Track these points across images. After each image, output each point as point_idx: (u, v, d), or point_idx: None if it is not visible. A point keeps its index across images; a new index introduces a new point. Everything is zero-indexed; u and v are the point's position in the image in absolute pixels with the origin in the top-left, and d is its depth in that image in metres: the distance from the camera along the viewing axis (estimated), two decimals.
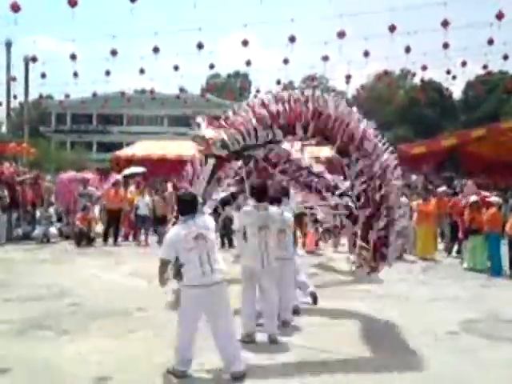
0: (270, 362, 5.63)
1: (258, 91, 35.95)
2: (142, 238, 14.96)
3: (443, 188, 14.72)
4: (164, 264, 5.10)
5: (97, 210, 16.07)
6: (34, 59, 19.63)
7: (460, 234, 12.54)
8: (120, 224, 15.16)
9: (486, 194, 12.58)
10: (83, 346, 6.09)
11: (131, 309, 7.69)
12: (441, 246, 14.26)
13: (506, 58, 18.94)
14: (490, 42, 16.96)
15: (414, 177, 20.04)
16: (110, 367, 5.39)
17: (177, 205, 5.73)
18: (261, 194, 6.40)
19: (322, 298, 8.36)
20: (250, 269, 6.31)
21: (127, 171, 17.49)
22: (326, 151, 25.63)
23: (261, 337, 6.33)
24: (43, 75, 20.23)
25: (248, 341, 6.13)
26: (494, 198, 11.62)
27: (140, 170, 17.84)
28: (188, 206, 5.31)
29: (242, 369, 5.09)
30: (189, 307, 5.11)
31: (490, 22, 15.93)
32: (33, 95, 31.82)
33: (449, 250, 13.49)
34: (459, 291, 9.26)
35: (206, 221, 5.32)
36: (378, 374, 5.30)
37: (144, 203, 14.99)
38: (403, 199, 13.23)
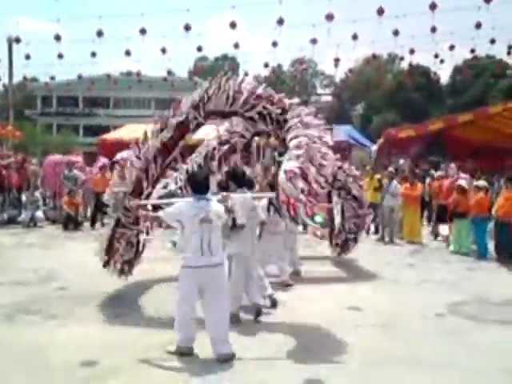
0: (256, 340, 5.69)
1: (246, 74, 35.74)
2: None
3: (439, 172, 14.82)
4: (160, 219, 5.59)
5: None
6: (18, 40, 19.29)
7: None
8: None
9: (464, 175, 12.73)
10: (70, 330, 6.07)
11: (119, 293, 7.67)
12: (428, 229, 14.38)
13: (493, 42, 18.93)
14: (478, 25, 16.93)
15: (401, 161, 20.11)
16: (97, 351, 5.37)
17: (190, 183, 5.81)
18: (242, 181, 6.49)
19: (309, 281, 8.44)
20: (241, 255, 6.42)
21: (119, 155, 17.31)
22: None
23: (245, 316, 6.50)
24: (27, 56, 19.87)
25: (234, 321, 6.17)
26: (481, 183, 11.70)
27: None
28: (202, 186, 5.39)
29: (229, 351, 5.14)
30: (186, 286, 5.22)
31: (478, 5, 15.89)
32: (17, 77, 31.38)
33: (435, 234, 13.59)
34: (446, 274, 9.35)
35: (216, 205, 5.37)
36: (365, 356, 5.35)
37: None
38: (394, 182, 13.31)
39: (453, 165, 14.54)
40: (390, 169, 14.61)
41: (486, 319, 6.73)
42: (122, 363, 5.11)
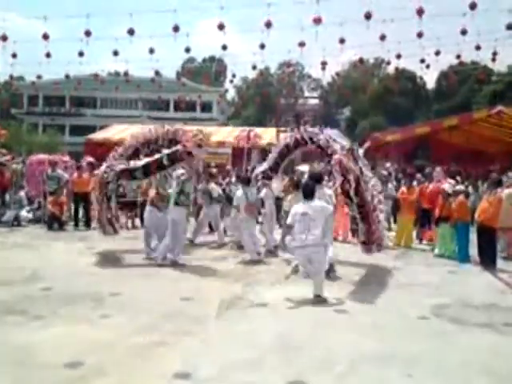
0: (242, 342, 5.73)
1: (233, 76, 35.81)
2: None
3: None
4: None
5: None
6: (5, 38, 19.08)
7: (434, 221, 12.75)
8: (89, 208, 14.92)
9: (451, 181, 12.80)
10: (55, 330, 6.04)
11: (104, 294, 7.64)
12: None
13: (478, 48, 19.15)
14: (464, 32, 17.11)
15: (387, 164, 20.24)
16: (82, 352, 5.35)
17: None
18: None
19: (295, 282, 8.48)
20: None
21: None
22: None
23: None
24: (14, 55, 19.75)
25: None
26: (459, 187, 11.76)
27: None
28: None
29: None
30: None
31: (463, 12, 16.06)
32: (3, 76, 31.15)
33: (420, 237, 13.64)
34: (430, 277, 9.42)
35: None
36: (350, 358, 5.38)
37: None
38: (389, 185, 13.33)
39: (438, 168, 14.57)
40: (384, 172, 14.59)
41: (468, 322, 6.80)
42: (107, 364, 5.10)
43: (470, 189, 15.35)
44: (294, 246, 7.73)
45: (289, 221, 7.82)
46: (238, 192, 10.98)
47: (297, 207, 7.78)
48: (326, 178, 10.77)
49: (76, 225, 14.67)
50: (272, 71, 69.31)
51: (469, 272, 10.12)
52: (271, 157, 11.62)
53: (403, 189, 13.30)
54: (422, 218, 13.25)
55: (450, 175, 14.60)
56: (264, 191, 11.55)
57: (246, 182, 11.21)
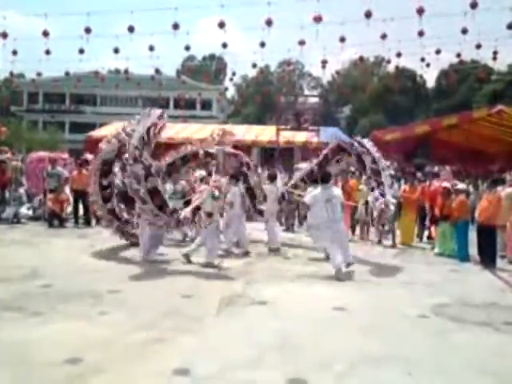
0: (242, 340, 5.72)
1: (233, 74, 35.80)
2: None
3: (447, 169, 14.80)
4: None
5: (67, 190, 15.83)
6: (5, 35, 19.10)
7: (428, 220, 12.78)
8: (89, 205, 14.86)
9: (457, 182, 12.80)
10: (54, 327, 6.03)
11: (103, 291, 7.63)
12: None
13: (478, 47, 19.17)
14: (464, 31, 17.12)
15: (387, 163, 20.19)
16: (81, 349, 5.34)
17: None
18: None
19: (295, 280, 8.49)
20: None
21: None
22: (301, 136, 25.68)
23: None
24: (14, 52, 19.78)
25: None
26: (460, 185, 11.78)
27: None
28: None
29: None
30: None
31: (464, 11, 16.07)
32: (3, 73, 31.16)
33: (420, 236, 13.66)
34: (429, 276, 9.42)
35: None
36: (350, 356, 5.38)
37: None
38: (395, 184, 13.35)
39: (448, 168, 14.56)
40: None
41: (468, 321, 6.79)
42: (105, 361, 5.09)
43: (471, 188, 15.36)
44: (319, 222, 9.32)
45: (308, 202, 9.54)
46: (233, 189, 11.18)
47: (317, 192, 9.51)
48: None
49: (76, 222, 14.66)
50: (272, 69, 69.43)
51: (469, 271, 10.12)
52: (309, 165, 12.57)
53: (405, 187, 13.33)
54: (423, 217, 13.30)
55: (454, 175, 14.65)
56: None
57: (236, 179, 11.57)
